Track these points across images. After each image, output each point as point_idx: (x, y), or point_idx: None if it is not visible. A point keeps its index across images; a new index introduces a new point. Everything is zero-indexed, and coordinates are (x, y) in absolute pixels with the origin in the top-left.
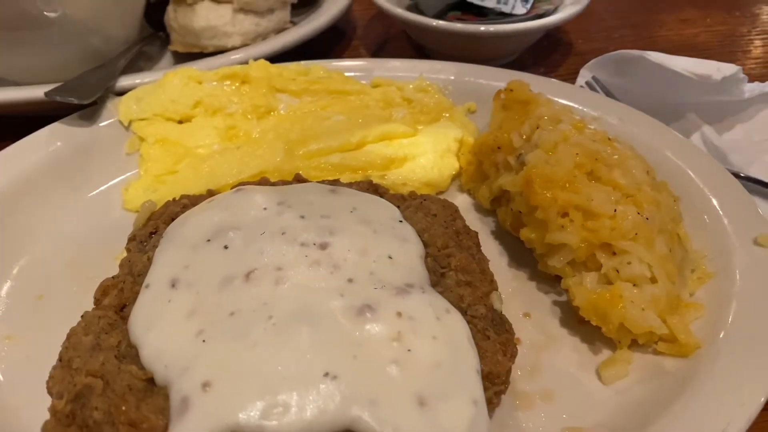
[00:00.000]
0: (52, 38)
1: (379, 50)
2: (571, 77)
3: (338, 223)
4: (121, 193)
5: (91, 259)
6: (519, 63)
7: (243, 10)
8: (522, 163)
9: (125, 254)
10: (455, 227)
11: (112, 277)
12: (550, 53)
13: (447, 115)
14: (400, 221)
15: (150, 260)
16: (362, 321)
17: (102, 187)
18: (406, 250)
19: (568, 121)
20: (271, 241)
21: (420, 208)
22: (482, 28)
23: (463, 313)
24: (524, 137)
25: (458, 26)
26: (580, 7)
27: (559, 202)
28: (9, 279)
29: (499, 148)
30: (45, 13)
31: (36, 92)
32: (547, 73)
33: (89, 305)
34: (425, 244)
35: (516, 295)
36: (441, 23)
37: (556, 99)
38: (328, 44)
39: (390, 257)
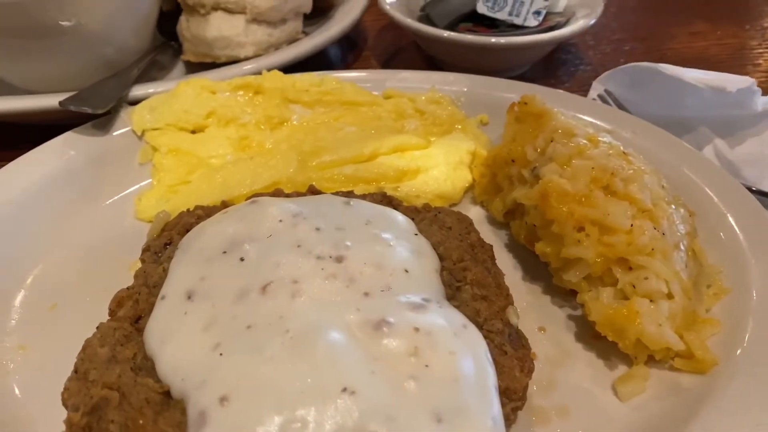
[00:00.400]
0: (66, 47)
1: (390, 61)
2: (581, 89)
3: (354, 236)
4: (134, 202)
5: (104, 268)
6: (530, 75)
7: (256, 20)
8: (536, 176)
9: (139, 264)
10: (470, 240)
11: (127, 288)
12: (560, 65)
13: (459, 126)
14: (416, 234)
15: (165, 271)
16: (379, 336)
17: (115, 197)
18: (422, 264)
19: (583, 134)
20: (287, 254)
21: (435, 221)
22: (493, 39)
23: (480, 327)
24: (538, 150)
25: (470, 38)
26: (592, 19)
27: (575, 217)
28: (23, 288)
29: (513, 161)
30: (59, 22)
31: (50, 101)
32: (557, 85)
33: (102, 315)
34: (440, 258)
35: (531, 309)
36: (452, 34)
37: (569, 112)
38: (338, 54)
39: (406, 271)
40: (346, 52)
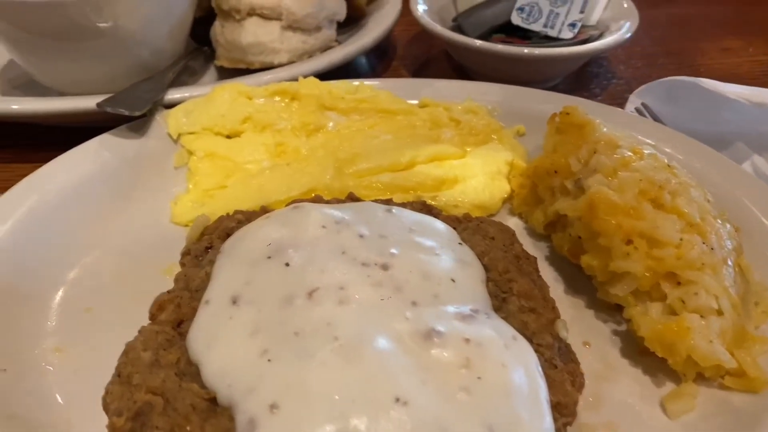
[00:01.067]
0: (102, 50)
1: (420, 70)
2: (614, 102)
3: (398, 244)
4: (169, 206)
5: (139, 272)
6: (562, 87)
7: (291, 27)
8: (580, 187)
9: (174, 268)
10: (514, 251)
11: (168, 292)
12: (592, 78)
13: (495, 137)
14: (459, 244)
15: (208, 276)
16: (429, 346)
17: (150, 200)
18: (468, 274)
19: (626, 146)
20: (332, 260)
21: (477, 231)
22: (527, 50)
23: (529, 340)
24: (582, 161)
25: (505, 48)
26: (627, 33)
27: (624, 229)
28: (59, 290)
29: (555, 171)
30: (96, 24)
31: (87, 103)
32: (590, 98)
33: (138, 319)
34: (485, 268)
35: (574, 323)
36: (486, 44)
37: (608, 124)
38: (368, 63)
39: (453, 280)
40: (376, 61)
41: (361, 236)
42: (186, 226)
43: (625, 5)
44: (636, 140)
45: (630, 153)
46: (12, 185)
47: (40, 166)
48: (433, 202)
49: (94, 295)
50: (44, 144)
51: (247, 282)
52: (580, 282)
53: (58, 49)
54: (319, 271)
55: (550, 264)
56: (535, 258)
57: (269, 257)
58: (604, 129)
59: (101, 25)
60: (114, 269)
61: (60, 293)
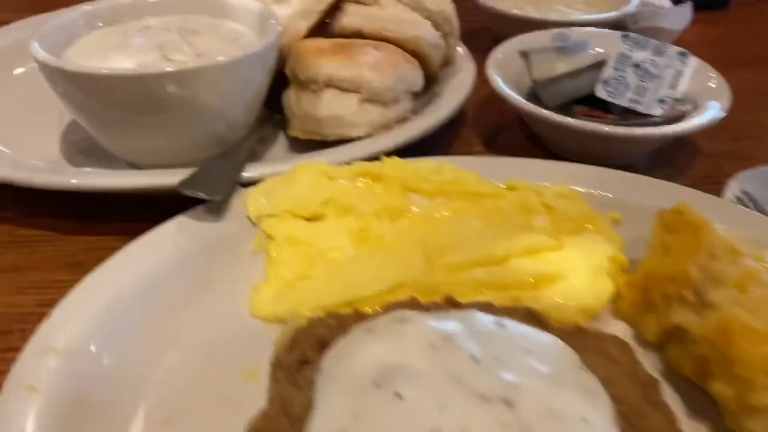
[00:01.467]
0: (177, 123)
1: (492, 138)
2: (701, 181)
3: (517, 371)
4: (248, 297)
5: (220, 375)
6: (644, 164)
7: (370, 100)
8: (702, 300)
9: (256, 370)
10: (639, 377)
11: (263, 415)
12: (676, 154)
13: (591, 226)
14: (581, 369)
15: (309, 401)
16: None
17: (228, 290)
18: (597, 410)
19: (748, 251)
20: (449, 392)
21: (596, 350)
22: (610, 129)
23: None
24: (701, 269)
25: (587, 125)
26: (721, 113)
27: (767, 360)
28: (138, 396)
29: (672, 278)
30: (175, 97)
31: (162, 180)
32: (675, 177)
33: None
34: (613, 399)
35: None
36: (568, 120)
37: (713, 217)
38: (438, 131)
39: (584, 419)
40: (445, 129)
41: (475, 359)
42: (266, 320)
43: (714, 77)
44: (753, 242)
45: (753, 261)
46: (78, 260)
47: (107, 237)
48: (533, 304)
49: (173, 401)
50: (110, 213)
51: (356, 416)
52: (701, 402)
53: (130, 121)
54: (437, 407)
55: (667, 380)
56: (659, 381)
57: (377, 384)
58: (719, 230)
59: (179, 98)
60: (193, 371)
61: (138, 399)
